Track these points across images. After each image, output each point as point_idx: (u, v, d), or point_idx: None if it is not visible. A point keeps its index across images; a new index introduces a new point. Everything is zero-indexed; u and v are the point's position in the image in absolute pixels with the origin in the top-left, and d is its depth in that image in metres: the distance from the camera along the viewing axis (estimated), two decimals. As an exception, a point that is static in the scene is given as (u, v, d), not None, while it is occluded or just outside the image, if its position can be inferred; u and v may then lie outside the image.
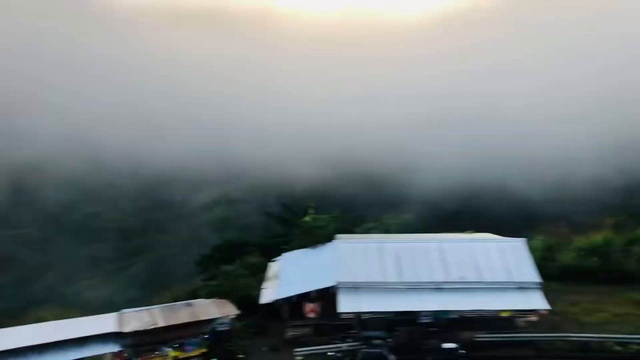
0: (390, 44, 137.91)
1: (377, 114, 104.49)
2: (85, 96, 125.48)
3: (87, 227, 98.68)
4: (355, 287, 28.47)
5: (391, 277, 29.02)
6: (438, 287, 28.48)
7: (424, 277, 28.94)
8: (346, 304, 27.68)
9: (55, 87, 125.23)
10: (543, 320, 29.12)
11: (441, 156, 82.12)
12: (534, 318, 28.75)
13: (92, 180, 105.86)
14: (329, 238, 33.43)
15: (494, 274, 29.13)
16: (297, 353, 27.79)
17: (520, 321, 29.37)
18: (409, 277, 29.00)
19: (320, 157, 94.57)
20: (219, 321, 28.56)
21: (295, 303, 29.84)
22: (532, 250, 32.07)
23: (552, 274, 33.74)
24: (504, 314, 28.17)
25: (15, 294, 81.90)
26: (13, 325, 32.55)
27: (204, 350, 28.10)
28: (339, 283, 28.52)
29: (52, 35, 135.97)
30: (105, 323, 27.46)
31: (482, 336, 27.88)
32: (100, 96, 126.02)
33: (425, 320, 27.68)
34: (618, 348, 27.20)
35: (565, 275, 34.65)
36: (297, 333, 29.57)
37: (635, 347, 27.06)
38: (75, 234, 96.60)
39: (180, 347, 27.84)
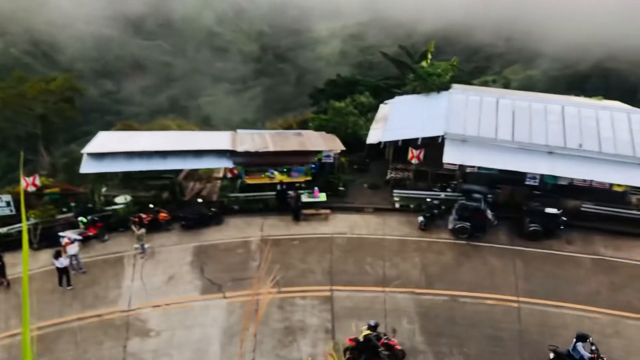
0: None
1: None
2: None
3: (210, 46, 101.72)
4: (463, 140, 27.95)
5: (503, 134, 28.02)
6: (551, 151, 27.28)
7: (538, 139, 27.65)
8: (451, 155, 27.40)
9: None
10: (659, 201, 27.67)
11: (582, 10, 73.75)
12: (649, 197, 27.29)
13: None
14: (444, 86, 32.39)
15: (616, 146, 27.17)
16: (395, 194, 28.68)
17: (634, 198, 28.08)
18: (522, 136, 27.83)
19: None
20: (325, 154, 29.64)
21: (401, 147, 30.09)
22: (666, 126, 29.45)
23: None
24: (618, 188, 26.86)
25: (144, 101, 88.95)
26: (141, 130, 35.87)
27: (308, 178, 29.70)
28: (447, 134, 28.09)
29: None
30: (221, 140, 29.45)
31: (589, 207, 27.10)
32: None
33: (530, 182, 27.04)
34: None
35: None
36: (398, 176, 30.25)
37: None
38: (199, 52, 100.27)
39: (287, 172, 29.58)
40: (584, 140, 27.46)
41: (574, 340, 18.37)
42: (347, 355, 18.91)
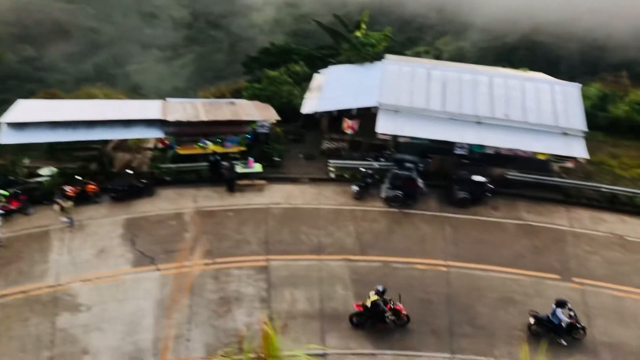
0: None
1: None
2: None
3: (139, 11, 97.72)
4: (396, 110, 28.36)
5: (434, 104, 28.64)
6: (479, 121, 28.16)
7: (467, 110, 28.47)
8: (384, 125, 27.83)
9: None
10: (578, 168, 29.20)
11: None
12: (570, 165, 28.74)
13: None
14: (377, 57, 32.57)
15: (540, 116, 28.41)
16: (330, 164, 28.86)
17: (555, 166, 29.50)
18: (452, 107, 28.56)
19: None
20: (260, 124, 29.32)
21: (335, 117, 30.19)
22: (585, 97, 30.92)
23: (600, 124, 32.92)
24: (541, 157, 28.14)
25: (68, 68, 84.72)
26: (65, 98, 34.21)
27: (242, 149, 29.34)
28: (381, 104, 28.40)
29: None
30: (150, 109, 28.52)
31: (514, 174, 28.27)
32: None
33: (459, 151, 27.88)
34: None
35: (613, 128, 33.66)
36: (333, 146, 30.41)
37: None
38: (127, 17, 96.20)
39: (221, 143, 29.09)
40: (510, 110, 28.50)
41: (554, 306, 19.28)
42: (354, 321, 19.46)
